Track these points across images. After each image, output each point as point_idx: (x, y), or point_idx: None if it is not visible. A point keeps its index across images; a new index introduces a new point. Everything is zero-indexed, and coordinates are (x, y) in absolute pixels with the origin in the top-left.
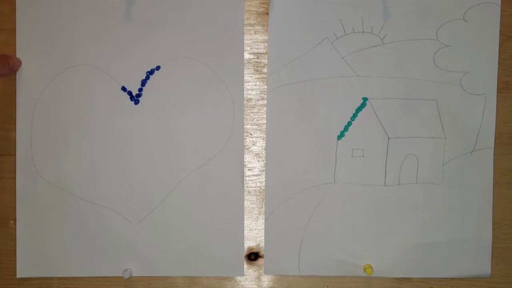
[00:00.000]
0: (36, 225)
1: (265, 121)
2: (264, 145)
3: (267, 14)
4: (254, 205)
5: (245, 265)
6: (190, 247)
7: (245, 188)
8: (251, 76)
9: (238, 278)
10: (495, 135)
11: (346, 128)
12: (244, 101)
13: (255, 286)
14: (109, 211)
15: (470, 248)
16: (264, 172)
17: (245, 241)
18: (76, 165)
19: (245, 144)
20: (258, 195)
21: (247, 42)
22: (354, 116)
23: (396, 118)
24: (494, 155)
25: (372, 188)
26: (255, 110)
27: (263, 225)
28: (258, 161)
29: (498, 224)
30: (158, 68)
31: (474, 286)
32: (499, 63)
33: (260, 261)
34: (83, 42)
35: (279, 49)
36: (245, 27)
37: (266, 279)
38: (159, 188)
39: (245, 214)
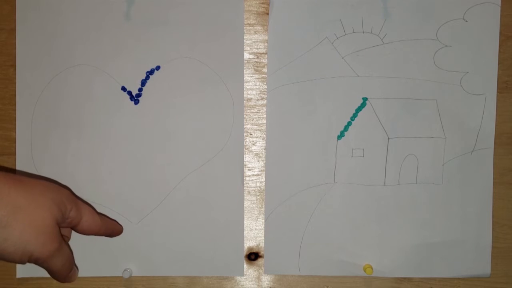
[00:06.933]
0: None
1: (265, 121)
2: (264, 145)
3: (267, 14)
4: (254, 205)
5: (245, 265)
6: (190, 247)
7: (245, 188)
8: (251, 76)
9: (238, 278)
10: (495, 135)
11: (346, 128)
12: (244, 101)
13: (255, 286)
14: (109, 211)
15: (470, 248)
16: (264, 172)
17: (245, 241)
18: (76, 165)
19: (245, 144)
20: (258, 195)
21: (247, 42)
22: (354, 116)
23: (396, 118)
24: (494, 155)
25: (372, 188)
26: (255, 110)
27: (263, 225)
28: (258, 161)
29: (498, 224)
30: (158, 68)
31: (474, 286)
32: (499, 63)
33: (260, 261)
34: (83, 42)
35: (279, 49)
36: (245, 27)
37: (266, 279)
38: (159, 188)
39: (245, 214)
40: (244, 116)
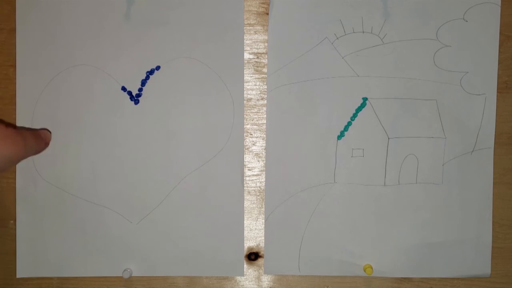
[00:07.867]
0: (36, 225)
1: (265, 121)
2: (264, 145)
3: (267, 14)
4: (254, 205)
5: (245, 265)
6: (190, 247)
7: (245, 188)
8: (251, 76)
9: (238, 278)
10: (495, 135)
11: (346, 128)
12: (244, 101)
13: (255, 286)
14: (109, 211)
15: (470, 248)
16: (264, 172)
17: (245, 241)
18: (76, 165)
19: (245, 144)
20: (258, 195)
21: (247, 42)
22: (354, 116)
23: (396, 118)
24: (494, 155)
25: (372, 188)
26: (255, 110)
27: (263, 225)
28: (258, 161)
29: (498, 224)
30: (158, 68)
31: (474, 286)
32: (499, 63)
33: (260, 261)
34: (83, 42)
35: (279, 49)
36: (245, 27)
37: (266, 279)
38: (159, 188)
39: (245, 214)
40: (244, 116)
